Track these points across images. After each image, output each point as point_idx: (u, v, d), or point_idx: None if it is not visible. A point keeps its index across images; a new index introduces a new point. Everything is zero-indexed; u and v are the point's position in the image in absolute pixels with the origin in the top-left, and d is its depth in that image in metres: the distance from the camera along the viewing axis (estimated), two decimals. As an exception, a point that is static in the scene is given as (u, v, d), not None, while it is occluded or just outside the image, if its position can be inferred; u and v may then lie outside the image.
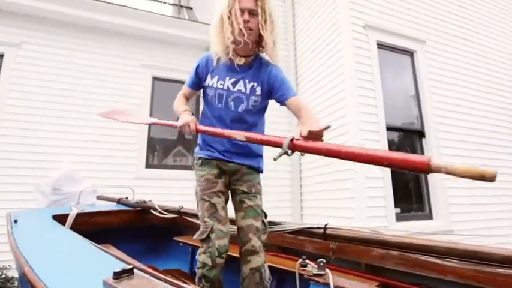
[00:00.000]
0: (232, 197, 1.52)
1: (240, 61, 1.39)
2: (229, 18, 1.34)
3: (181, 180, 4.55)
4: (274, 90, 1.40)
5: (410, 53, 4.08)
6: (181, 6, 6.67)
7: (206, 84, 1.47)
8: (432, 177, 3.68)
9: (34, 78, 4.18)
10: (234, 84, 1.41)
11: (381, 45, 3.85)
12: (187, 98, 1.60)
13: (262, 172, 1.56)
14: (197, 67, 1.50)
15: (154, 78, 4.85)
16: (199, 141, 1.58)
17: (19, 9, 4.23)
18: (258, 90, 1.41)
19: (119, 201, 2.81)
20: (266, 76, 1.40)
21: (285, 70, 4.53)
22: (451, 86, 4.23)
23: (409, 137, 3.95)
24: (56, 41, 4.38)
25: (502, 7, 5.26)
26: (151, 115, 4.70)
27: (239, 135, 1.29)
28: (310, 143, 1.08)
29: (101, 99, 4.38)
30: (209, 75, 1.46)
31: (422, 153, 3.89)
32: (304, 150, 1.11)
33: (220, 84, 1.41)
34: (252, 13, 1.32)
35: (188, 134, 1.40)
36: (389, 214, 3.39)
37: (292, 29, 4.81)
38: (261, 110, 1.50)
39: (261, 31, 1.34)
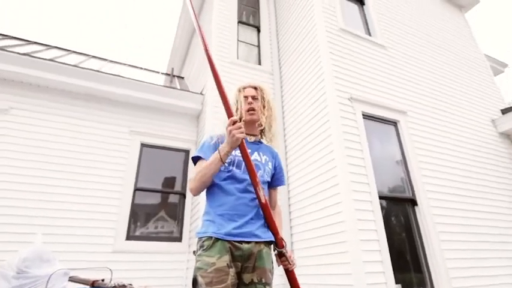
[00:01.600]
0: (238, 286, 1.36)
1: (250, 139, 1.61)
2: (237, 106, 1.66)
3: (166, 254, 4.20)
4: (276, 172, 1.63)
5: (394, 123, 4.22)
6: (174, 76, 6.95)
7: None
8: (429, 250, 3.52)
9: (17, 143, 4.04)
10: (251, 154, 1.51)
11: (366, 116, 3.98)
12: None
13: (276, 248, 1.45)
14: (212, 141, 1.58)
15: (143, 145, 4.79)
16: (206, 217, 1.46)
17: (7, 76, 4.25)
18: (270, 164, 1.59)
19: (93, 285, 2.46)
20: (274, 158, 1.65)
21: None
22: (436, 153, 4.32)
23: (401, 205, 3.86)
24: (43, 107, 4.37)
25: (479, 80, 5.73)
26: (136, 182, 4.53)
27: (262, 191, 1.41)
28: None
29: (84, 165, 4.27)
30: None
31: (417, 224, 3.77)
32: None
33: (239, 153, 1.48)
34: (254, 98, 1.64)
35: (237, 138, 1.37)
36: (390, 291, 3.12)
37: (280, 103, 4.98)
38: (267, 183, 1.59)
39: (261, 115, 1.62)
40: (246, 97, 1.66)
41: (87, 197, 4.13)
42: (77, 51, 6.39)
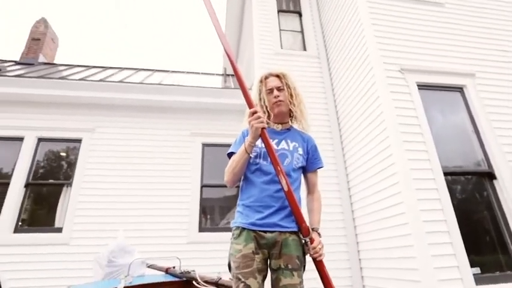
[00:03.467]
0: (270, 272, 1.45)
1: (278, 127, 1.63)
2: (260, 100, 1.63)
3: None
4: (309, 155, 1.60)
5: (459, 89, 3.74)
6: (227, 75, 7.22)
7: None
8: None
9: (103, 156, 4.78)
10: (278, 143, 1.57)
11: (422, 86, 3.62)
12: None
13: (304, 235, 1.43)
14: (243, 135, 1.62)
15: (204, 145, 5.15)
16: (237, 208, 1.57)
17: (90, 100, 5.00)
18: (300, 150, 1.58)
19: (167, 271, 2.85)
20: (305, 141, 1.62)
21: (328, 128, 4.54)
22: (519, 117, 3.69)
23: (475, 180, 3.43)
24: (120, 122, 5.03)
25: None
26: (202, 179, 4.91)
27: (284, 179, 1.39)
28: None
29: (155, 169, 4.79)
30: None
31: (497, 199, 3.32)
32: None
33: (276, 142, 1.55)
34: (280, 89, 1.62)
35: (256, 127, 1.41)
36: (464, 276, 2.84)
37: (330, 86, 4.84)
38: (300, 169, 1.60)
39: (290, 103, 1.61)
40: (271, 89, 1.63)
41: (162, 196, 4.62)
42: (144, 68, 7.15)
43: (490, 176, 3.40)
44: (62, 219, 4.43)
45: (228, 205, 5.07)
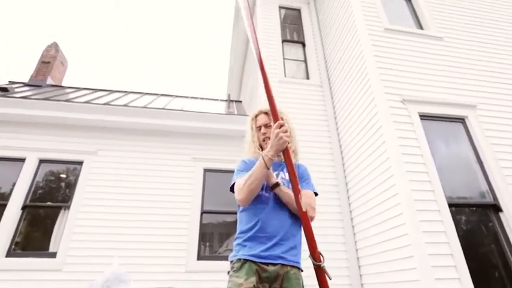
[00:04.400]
0: None
1: (276, 159, 1.59)
2: (253, 136, 1.72)
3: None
4: (300, 180, 1.55)
5: (461, 120, 3.78)
6: (231, 101, 7.36)
7: None
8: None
9: (105, 179, 4.74)
10: (277, 175, 1.60)
11: (424, 117, 3.67)
12: None
13: (302, 270, 1.49)
14: (244, 163, 1.66)
15: (206, 170, 5.13)
16: (238, 240, 1.53)
17: (94, 123, 5.05)
18: (277, 175, 1.61)
19: (162, 302, 2.76)
20: (296, 167, 1.56)
21: (331, 156, 4.57)
22: (521, 149, 3.70)
23: (480, 212, 3.38)
24: (123, 146, 5.03)
25: None
26: (202, 205, 4.85)
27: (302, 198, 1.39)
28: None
29: (155, 193, 4.73)
30: None
31: (503, 232, 3.25)
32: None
33: (276, 174, 1.59)
34: (267, 126, 1.69)
35: (284, 140, 1.41)
36: (473, 314, 2.73)
37: (333, 115, 4.90)
38: None
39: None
40: (259, 127, 1.73)
41: (161, 222, 4.51)
42: (149, 92, 7.31)
43: (496, 208, 3.35)
44: (56, 244, 4.32)
45: (228, 232, 4.97)
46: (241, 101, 7.80)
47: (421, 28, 4.50)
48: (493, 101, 3.97)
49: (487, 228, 3.27)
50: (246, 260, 1.42)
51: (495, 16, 4.91)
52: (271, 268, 1.40)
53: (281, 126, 1.42)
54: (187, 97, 7.35)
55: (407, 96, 3.70)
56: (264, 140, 1.69)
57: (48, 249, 4.30)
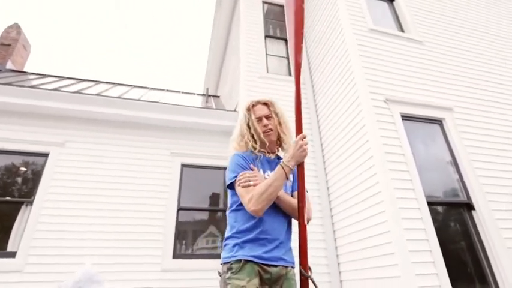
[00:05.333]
0: None
1: (270, 157, 1.62)
2: (250, 128, 1.60)
3: (212, 271, 4.26)
4: (294, 179, 1.56)
5: (438, 122, 3.94)
6: (209, 96, 7.22)
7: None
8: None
9: (73, 173, 4.43)
10: (271, 171, 1.55)
11: (406, 117, 3.77)
12: None
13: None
14: (243, 158, 1.56)
15: (183, 165, 4.97)
16: (232, 240, 1.45)
17: (63, 113, 4.71)
18: (290, 177, 1.55)
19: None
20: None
21: (312, 154, 4.59)
22: (491, 150, 3.92)
23: (455, 211, 3.54)
24: (94, 138, 4.74)
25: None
26: (179, 202, 4.69)
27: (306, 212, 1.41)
28: None
29: (129, 188, 4.51)
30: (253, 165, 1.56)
31: (476, 229, 3.42)
32: None
33: (267, 175, 1.54)
34: (268, 117, 1.62)
35: (306, 154, 1.43)
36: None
37: (314, 112, 4.94)
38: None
39: (279, 131, 1.60)
40: (259, 118, 1.62)
41: (135, 219, 4.31)
42: (122, 83, 6.94)
43: (469, 206, 3.52)
44: (16, 242, 3.97)
45: (205, 229, 4.82)
46: (219, 96, 7.66)
47: (403, 31, 4.63)
48: (469, 105, 4.17)
49: (461, 225, 3.43)
50: (247, 261, 1.37)
51: (473, 25, 5.18)
52: (273, 269, 1.38)
53: (304, 138, 1.44)
54: (163, 90, 7.11)
55: (390, 97, 3.78)
56: (265, 132, 1.59)
57: (5, 248, 3.93)
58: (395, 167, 3.37)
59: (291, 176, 1.55)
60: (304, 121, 4.74)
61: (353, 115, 3.88)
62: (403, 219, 3.11)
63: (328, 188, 4.41)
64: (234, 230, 1.46)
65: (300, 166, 1.43)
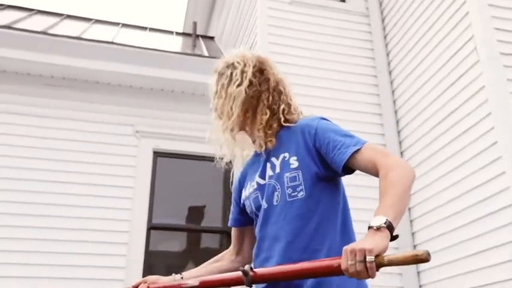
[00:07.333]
0: None
1: (261, 148, 1.48)
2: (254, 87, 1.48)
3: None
4: (323, 149, 1.31)
5: None
6: (197, 36, 6.69)
7: (242, 204, 1.53)
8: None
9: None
10: (262, 174, 1.43)
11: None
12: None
13: None
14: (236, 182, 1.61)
15: (156, 153, 4.58)
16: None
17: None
18: (293, 162, 1.35)
19: None
20: (299, 136, 1.39)
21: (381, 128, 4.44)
22: None
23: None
24: (13, 99, 4.31)
25: None
26: (151, 216, 4.28)
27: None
28: None
29: (72, 192, 4.11)
30: (243, 190, 1.52)
31: None
32: None
33: (252, 186, 1.46)
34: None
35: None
36: None
37: (386, 62, 4.69)
38: (314, 195, 1.32)
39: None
40: (275, 84, 1.53)
41: (79, 244, 3.96)
42: (46, 10, 6.32)
43: None
44: None
45: (194, 260, 4.44)
46: (213, 38, 7.13)
47: None
48: None
49: None
50: None
51: None
52: None
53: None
54: (116, 24, 6.43)
55: None
56: (278, 107, 1.44)
57: None
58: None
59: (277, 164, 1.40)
60: (365, 79, 4.57)
61: (459, 75, 3.50)
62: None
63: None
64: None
65: None
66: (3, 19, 5.01)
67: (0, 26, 4.32)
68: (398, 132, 4.47)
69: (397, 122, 4.51)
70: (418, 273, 3.86)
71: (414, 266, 3.78)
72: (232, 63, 1.43)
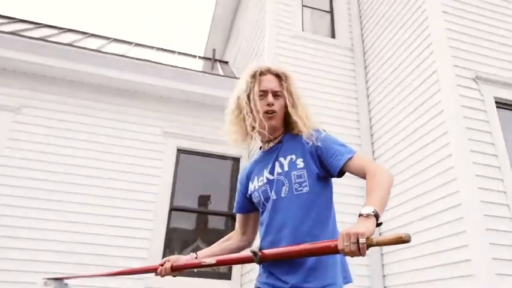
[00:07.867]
0: None
1: (269, 146, 1.59)
2: (248, 103, 1.52)
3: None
4: (323, 156, 1.44)
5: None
6: (215, 60, 7.06)
7: (249, 194, 1.61)
8: None
9: (27, 149, 4.38)
10: (271, 171, 1.51)
11: (501, 105, 3.72)
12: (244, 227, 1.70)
13: None
14: (239, 181, 1.68)
15: (180, 151, 4.97)
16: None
17: (18, 66, 4.63)
18: (300, 163, 1.47)
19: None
20: (304, 143, 1.49)
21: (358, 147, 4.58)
22: None
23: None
24: (59, 103, 4.71)
25: None
26: (172, 200, 4.70)
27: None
28: None
29: (105, 176, 4.53)
30: (250, 183, 1.61)
31: None
32: None
33: (261, 180, 1.53)
34: (277, 94, 1.53)
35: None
36: None
37: (364, 90, 4.95)
38: (315, 191, 1.44)
39: (290, 112, 1.53)
40: (263, 92, 1.53)
41: (111, 218, 4.34)
42: (96, 33, 6.77)
43: None
44: None
45: (205, 238, 4.88)
46: (227, 62, 7.57)
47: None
48: None
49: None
50: None
51: None
52: None
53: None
54: (152, 47, 6.95)
55: (482, 73, 3.72)
56: (267, 113, 1.50)
57: None
58: (481, 172, 3.32)
59: (280, 167, 1.51)
60: (349, 100, 4.87)
61: (422, 98, 3.86)
62: (488, 231, 3.08)
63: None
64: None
65: None
66: (65, 39, 5.39)
67: (63, 44, 4.75)
68: (372, 143, 4.74)
69: (372, 135, 4.77)
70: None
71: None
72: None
